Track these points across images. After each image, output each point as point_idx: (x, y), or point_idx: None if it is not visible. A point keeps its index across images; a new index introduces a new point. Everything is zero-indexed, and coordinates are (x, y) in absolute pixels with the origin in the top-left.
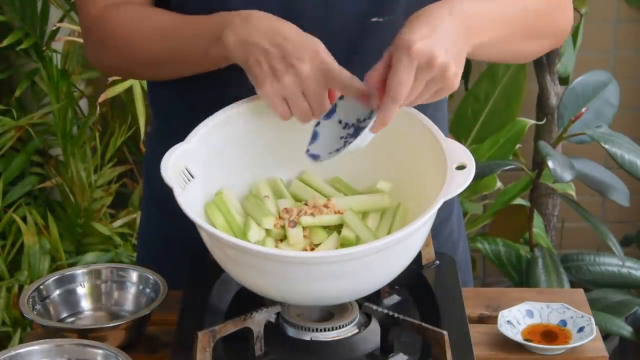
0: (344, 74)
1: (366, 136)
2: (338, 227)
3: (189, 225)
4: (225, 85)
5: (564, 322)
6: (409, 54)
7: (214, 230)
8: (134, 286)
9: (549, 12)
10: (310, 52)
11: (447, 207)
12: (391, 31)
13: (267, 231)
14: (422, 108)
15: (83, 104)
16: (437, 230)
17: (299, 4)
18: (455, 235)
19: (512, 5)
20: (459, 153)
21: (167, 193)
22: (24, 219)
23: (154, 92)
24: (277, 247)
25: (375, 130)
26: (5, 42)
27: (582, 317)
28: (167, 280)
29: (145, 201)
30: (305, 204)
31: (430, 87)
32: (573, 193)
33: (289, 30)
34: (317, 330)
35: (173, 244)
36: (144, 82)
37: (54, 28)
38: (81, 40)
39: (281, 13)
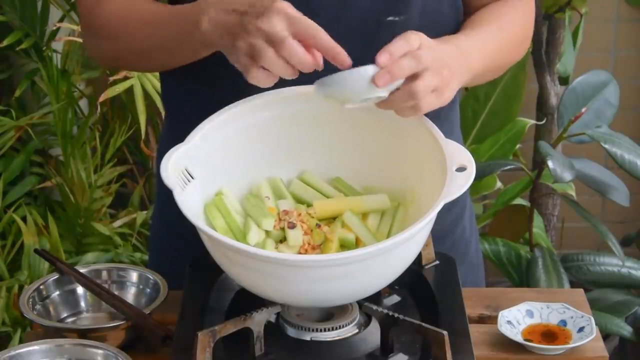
0: (308, 21)
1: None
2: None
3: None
4: (236, 84)
5: (564, 322)
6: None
7: (213, 233)
8: (134, 286)
9: (520, 41)
10: (270, 7)
11: (459, 205)
12: (406, 30)
13: (267, 232)
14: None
15: (83, 104)
16: (450, 229)
17: (314, 1)
18: (468, 233)
19: (500, 38)
20: (459, 154)
21: None
22: (24, 219)
23: (166, 91)
24: (277, 248)
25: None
26: (5, 42)
27: (582, 317)
28: (177, 277)
29: (157, 199)
30: (308, 208)
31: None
32: (573, 193)
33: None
34: (317, 330)
35: (184, 241)
36: (145, 82)
37: (54, 28)
38: (81, 40)
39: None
